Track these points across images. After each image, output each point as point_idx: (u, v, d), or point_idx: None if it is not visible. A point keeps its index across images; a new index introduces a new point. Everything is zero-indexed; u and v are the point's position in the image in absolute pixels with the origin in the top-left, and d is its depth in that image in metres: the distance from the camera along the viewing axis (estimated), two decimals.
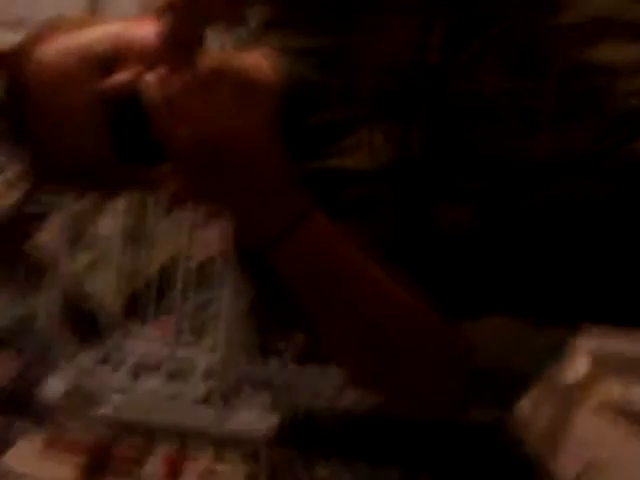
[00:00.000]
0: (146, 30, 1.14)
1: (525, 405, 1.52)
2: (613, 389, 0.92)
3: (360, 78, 1.16)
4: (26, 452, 2.33)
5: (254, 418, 2.51)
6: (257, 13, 1.21)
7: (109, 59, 1.12)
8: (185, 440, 2.46)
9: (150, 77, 1.06)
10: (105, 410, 2.54)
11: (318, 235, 1.07)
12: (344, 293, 1.09)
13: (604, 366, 0.98)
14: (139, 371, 2.66)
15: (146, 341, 2.97)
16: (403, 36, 1.14)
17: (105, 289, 3.12)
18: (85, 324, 3.03)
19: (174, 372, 2.63)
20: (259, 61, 1.18)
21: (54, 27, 1.19)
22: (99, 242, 3.28)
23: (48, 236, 3.07)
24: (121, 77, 1.11)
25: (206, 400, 2.55)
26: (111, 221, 3.02)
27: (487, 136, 1.12)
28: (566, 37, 1.12)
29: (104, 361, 2.69)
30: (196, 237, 3.02)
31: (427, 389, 1.15)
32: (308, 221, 1.06)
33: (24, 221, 3.01)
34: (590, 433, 1.43)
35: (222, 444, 2.46)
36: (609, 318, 1.12)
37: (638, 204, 1.10)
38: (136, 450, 2.37)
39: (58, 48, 1.15)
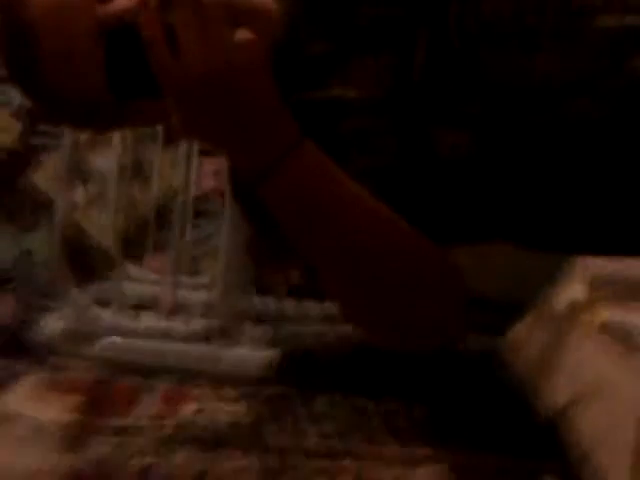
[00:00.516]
0: None
1: (518, 330, 1.51)
2: (609, 313, 0.90)
3: (360, 4, 1.15)
4: (25, 393, 2.33)
5: (252, 355, 2.51)
6: None
7: None
8: (183, 378, 2.46)
9: (148, 7, 1.04)
10: (103, 350, 2.54)
11: (308, 166, 1.07)
12: (335, 224, 1.09)
13: (600, 291, 0.96)
14: (137, 310, 2.66)
15: (143, 280, 2.97)
16: None
17: (102, 227, 3.11)
18: (84, 263, 3.03)
19: (172, 310, 2.62)
20: None
21: None
22: (96, 179, 3.27)
23: (45, 174, 3.06)
24: (119, 5, 1.09)
25: (204, 337, 2.54)
26: (107, 157, 3.00)
27: (487, 58, 1.11)
28: None
29: (102, 300, 2.69)
30: (192, 173, 3.01)
31: (423, 320, 1.14)
32: (298, 151, 1.06)
33: (29, 153, 3.01)
34: (583, 359, 1.41)
35: (220, 381, 2.46)
36: (607, 245, 1.11)
37: (637, 124, 1.08)
38: (133, 389, 2.37)
39: None
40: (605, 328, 0.91)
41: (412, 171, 1.13)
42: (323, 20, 1.17)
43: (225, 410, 2.28)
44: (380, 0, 1.15)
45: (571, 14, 1.09)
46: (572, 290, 0.98)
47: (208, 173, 3.15)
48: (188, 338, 2.56)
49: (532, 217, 1.16)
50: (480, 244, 1.20)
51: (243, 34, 1.06)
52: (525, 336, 1.48)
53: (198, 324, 2.58)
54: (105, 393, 2.33)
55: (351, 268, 1.11)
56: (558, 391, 1.32)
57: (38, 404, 2.23)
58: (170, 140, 2.94)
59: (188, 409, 2.25)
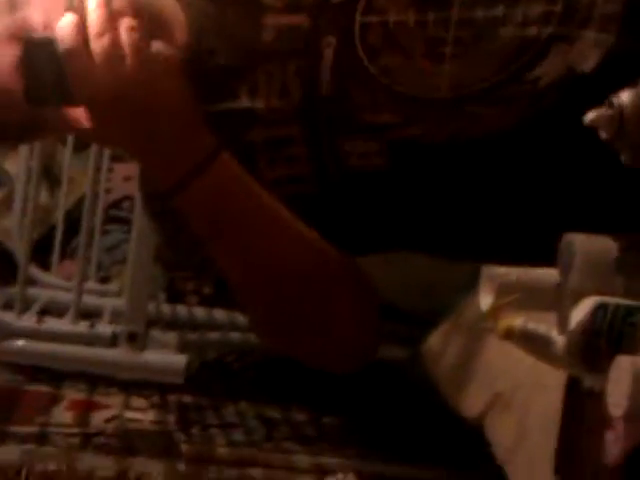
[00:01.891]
0: None
1: (434, 339, 1.53)
2: (516, 319, 0.93)
3: (266, 14, 1.16)
4: None
5: (162, 362, 2.50)
6: None
7: (16, 5, 1.10)
8: (93, 386, 2.44)
9: (65, 18, 1.04)
10: (7, 354, 2.50)
11: (225, 177, 1.07)
12: (248, 235, 1.09)
13: (506, 298, 0.98)
14: (44, 316, 2.62)
15: (50, 285, 2.94)
16: (293, 67, 1.15)
17: (9, 231, 3.07)
18: None
19: (80, 316, 2.60)
20: (167, 1, 1.17)
21: None
22: (4, 182, 3.22)
23: None
24: (33, 17, 1.09)
25: (113, 344, 2.52)
26: (15, 161, 2.96)
27: (393, 68, 1.12)
28: None
29: (8, 306, 2.65)
30: (102, 178, 2.99)
31: (338, 336, 1.15)
32: (215, 162, 1.06)
33: None
34: (496, 366, 1.44)
35: (130, 389, 2.44)
36: (515, 252, 1.13)
37: (540, 133, 1.11)
38: (43, 397, 2.34)
39: None
40: (510, 334, 0.93)
41: (323, 181, 1.14)
42: (228, 30, 1.17)
43: (135, 418, 2.27)
44: (284, 9, 1.16)
45: (473, 25, 1.12)
46: (480, 299, 1.00)
47: (119, 179, 3.13)
48: (93, 342, 2.53)
49: (442, 226, 1.17)
50: (390, 251, 1.21)
51: (158, 45, 1.07)
52: (440, 345, 1.50)
53: (104, 328, 2.56)
54: (13, 400, 2.30)
55: (262, 281, 1.11)
56: (474, 400, 1.35)
57: None
58: (81, 146, 2.91)
59: (98, 417, 2.23)
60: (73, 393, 2.40)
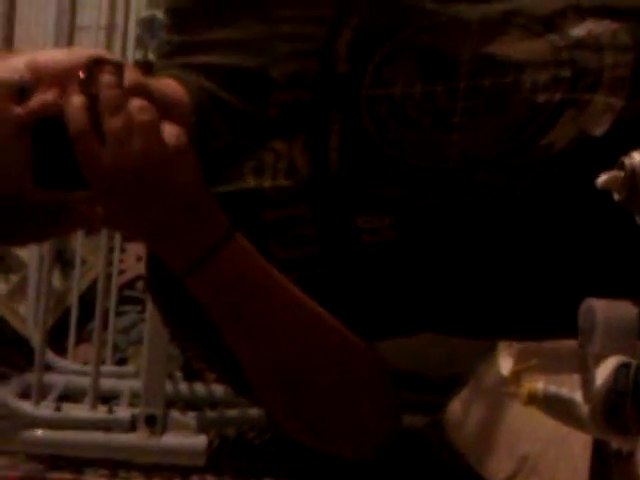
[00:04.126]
0: (61, 53, 1.12)
1: (455, 407, 1.51)
2: (538, 384, 0.92)
3: (271, 93, 1.15)
4: None
5: (183, 444, 2.47)
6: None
7: (26, 85, 1.10)
8: (114, 471, 2.42)
9: (74, 99, 1.04)
10: (27, 444, 2.48)
11: (239, 259, 1.06)
12: (262, 318, 1.07)
13: (526, 362, 0.97)
14: (62, 402, 2.61)
15: (67, 371, 2.92)
16: (310, 47, 1.14)
17: (24, 318, 3.06)
18: (5, 360, 2.97)
19: (99, 399, 2.58)
20: (170, 83, 1.17)
21: None
22: (20, 267, 3.22)
23: None
24: (41, 99, 1.08)
25: (132, 428, 2.50)
26: (27, 246, 2.97)
27: (401, 141, 1.12)
28: (472, 33, 1.12)
29: (25, 394, 2.63)
30: (115, 260, 2.99)
31: (355, 424, 1.12)
32: (229, 244, 1.05)
33: None
34: (519, 429, 1.42)
35: (151, 471, 2.42)
36: (534, 329, 1.12)
37: (553, 198, 1.10)
38: None
39: None
40: (533, 399, 0.92)
41: (336, 260, 1.12)
42: (234, 109, 1.16)
43: None
44: (289, 85, 1.15)
45: (482, 94, 1.11)
46: (500, 363, 0.99)
47: (132, 259, 3.13)
48: (112, 427, 2.52)
49: (457, 301, 1.15)
50: (405, 336, 1.19)
51: (169, 125, 1.06)
52: (462, 412, 1.48)
53: (123, 412, 2.54)
54: None
55: (277, 364, 1.08)
56: (499, 465, 1.33)
57: None
58: (91, 230, 2.92)
59: None
60: (95, 479, 2.38)
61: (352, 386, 1.09)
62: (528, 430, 1.36)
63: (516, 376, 0.99)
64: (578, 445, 1.11)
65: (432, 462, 2.12)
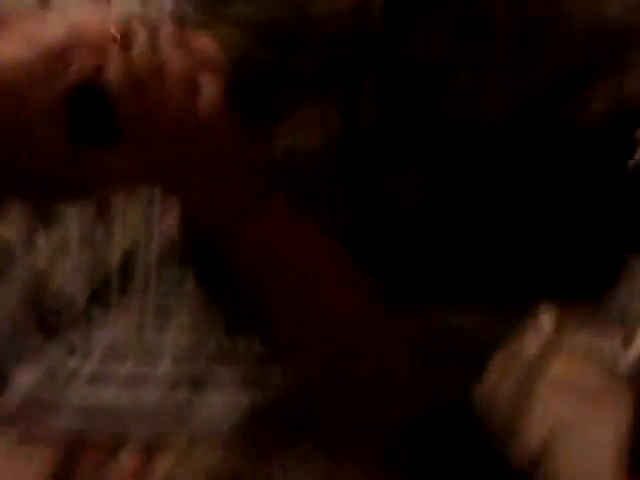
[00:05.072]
0: (96, 12, 1.11)
1: (487, 381, 1.50)
2: (579, 338, 0.91)
3: (305, 50, 1.15)
4: None
5: (226, 401, 2.49)
6: None
7: (65, 49, 1.10)
8: (155, 433, 2.44)
9: (116, 62, 1.04)
10: (71, 406, 2.52)
11: (280, 218, 1.06)
12: (299, 284, 1.07)
13: (567, 322, 0.96)
14: (107, 359, 2.64)
15: (112, 328, 2.94)
16: (344, 6, 1.13)
17: (68, 279, 3.08)
18: (50, 317, 3.00)
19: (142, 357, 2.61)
20: (207, 41, 1.16)
21: (2, 22, 1.15)
22: (59, 231, 3.24)
23: (6, 228, 3.04)
24: (82, 66, 1.08)
25: (176, 384, 2.52)
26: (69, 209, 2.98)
27: (437, 98, 1.11)
28: None
29: (71, 352, 2.66)
30: (155, 219, 2.99)
31: (396, 388, 1.12)
32: (269, 201, 1.05)
33: None
34: (550, 405, 1.41)
35: (194, 430, 2.44)
36: (569, 289, 1.11)
37: (590, 158, 1.09)
38: (103, 450, 2.35)
39: (10, 46, 1.12)
40: (574, 353, 0.91)
41: (367, 222, 1.12)
42: (265, 67, 1.16)
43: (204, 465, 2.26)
44: (324, 42, 1.15)
45: (519, 50, 1.10)
46: (540, 325, 0.98)
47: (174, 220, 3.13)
48: (158, 384, 2.54)
49: (493, 265, 1.15)
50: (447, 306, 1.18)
51: (210, 81, 1.06)
52: (494, 386, 1.48)
53: (168, 368, 2.56)
54: (76, 452, 2.30)
55: (313, 335, 1.08)
56: (530, 438, 1.32)
57: (8, 464, 2.20)
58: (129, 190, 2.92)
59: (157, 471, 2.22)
60: (135, 443, 2.40)
61: (388, 346, 1.09)
62: (559, 404, 1.34)
63: (556, 334, 0.98)
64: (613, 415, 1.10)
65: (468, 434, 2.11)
